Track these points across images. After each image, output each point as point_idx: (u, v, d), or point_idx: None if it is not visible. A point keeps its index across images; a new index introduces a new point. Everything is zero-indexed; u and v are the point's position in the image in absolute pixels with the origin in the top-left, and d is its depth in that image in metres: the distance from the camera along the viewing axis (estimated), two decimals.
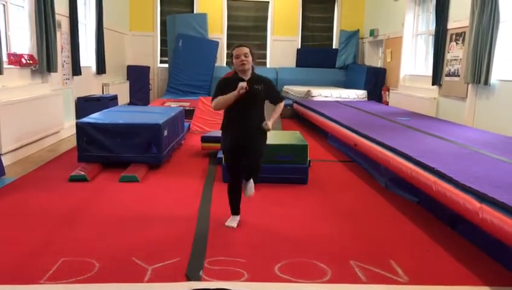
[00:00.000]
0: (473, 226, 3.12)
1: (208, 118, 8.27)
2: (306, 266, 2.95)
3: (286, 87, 11.54)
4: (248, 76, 3.49)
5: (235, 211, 3.70)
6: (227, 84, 3.48)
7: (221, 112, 3.64)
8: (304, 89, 10.49)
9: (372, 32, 11.45)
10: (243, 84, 3.33)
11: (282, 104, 3.72)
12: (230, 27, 12.39)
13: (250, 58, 3.44)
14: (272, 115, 3.63)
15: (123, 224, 3.61)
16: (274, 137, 5.33)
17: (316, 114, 7.88)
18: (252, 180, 3.70)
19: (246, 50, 3.44)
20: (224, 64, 12.27)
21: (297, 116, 9.81)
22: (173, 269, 2.85)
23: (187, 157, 6.09)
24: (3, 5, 5.97)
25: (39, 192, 4.40)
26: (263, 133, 3.59)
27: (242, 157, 3.54)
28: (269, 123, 3.53)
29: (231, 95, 3.38)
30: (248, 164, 3.58)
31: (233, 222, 3.65)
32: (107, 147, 5.22)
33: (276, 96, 3.70)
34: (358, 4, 12.34)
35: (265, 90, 3.55)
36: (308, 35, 12.63)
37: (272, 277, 2.79)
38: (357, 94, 10.26)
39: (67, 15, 7.63)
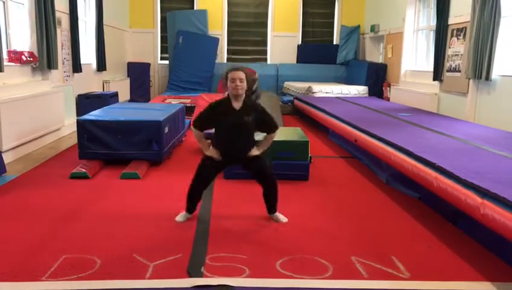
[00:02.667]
0: (475, 222, 3.12)
1: None
2: (307, 262, 2.95)
3: (287, 84, 11.54)
4: (240, 102, 3.47)
5: (193, 210, 3.66)
6: (215, 112, 3.50)
7: None
8: (305, 85, 10.48)
9: (372, 28, 11.42)
10: (216, 157, 3.52)
11: (274, 135, 3.59)
12: (230, 23, 12.37)
13: (244, 84, 3.41)
14: (261, 144, 3.58)
15: (124, 221, 3.61)
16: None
17: (317, 110, 7.87)
18: (278, 214, 3.68)
19: (242, 75, 3.41)
20: (225, 61, 12.25)
21: (298, 112, 9.80)
22: (174, 265, 2.85)
23: (188, 154, 6.09)
24: (3, 2, 5.96)
25: (40, 189, 4.41)
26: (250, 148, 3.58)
27: (223, 167, 3.69)
28: (254, 152, 3.52)
29: (205, 148, 3.56)
30: (257, 168, 3.59)
31: (184, 217, 3.64)
32: (108, 144, 5.21)
33: (267, 126, 3.58)
34: None
35: (256, 119, 3.49)
36: (308, 31, 12.60)
37: (273, 273, 2.79)
38: (358, 90, 10.24)
39: (67, 12, 7.62)
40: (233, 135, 3.49)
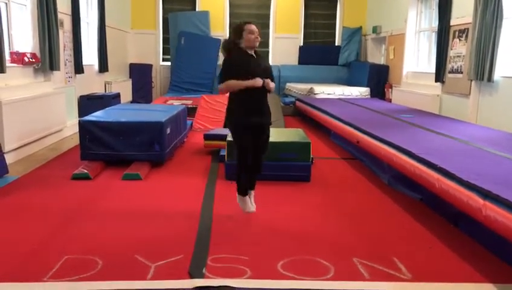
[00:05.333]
0: (476, 223, 3.11)
1: (211, 115, 8.28)
2: (309, 263, 2.95)
3: (288, 85, 11.53)
4: (253, 51, 3.69)
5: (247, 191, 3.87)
6: (237, 62, 3.61)
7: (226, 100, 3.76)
8: (307, 86, 10.47)
9: (374, 29, 11.42)
10: (259, 82, 3.56)
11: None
12: (232, 25, 12.36)
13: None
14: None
15: (126, 222, 3.62)
16: (277, 135, 5.33)
17: (319, 111, 7.87)
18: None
19: (258, 28, 3.68)
20: None
21: (300, 113, 9.79)
22: (176, 266, 2.86)
23: (190, 155, 6.09)
24: (6, 3, 5.98)
25: (42, 190, 4.41)
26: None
27: (252, 131, 3.67)
28: (271, 84, 3.64)
29: (244, 83, 3.54)
30: (265, 138, 3.81)
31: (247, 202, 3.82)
32: (110, 145, 5.22)
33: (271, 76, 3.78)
34: (361, 1, 12.30)
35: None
36: (310, 32, 12.60)
37: (275, 274, 2.79)
38: (359, 91, 10.23)
39: (70, 13, 7.64)
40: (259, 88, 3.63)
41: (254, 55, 3.69)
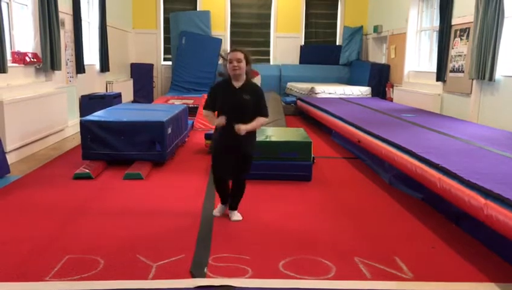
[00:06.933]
0: (478, 223, 3.11)
1: None
2: (310, 262, 2.95)
3: (290, 84, 11.54)
4: (241, 82, 3.49)
5: (225, 200, 3.81)
6: (216, 92, 3.60)
7: None
8: (308, 86, 10.47)
9: (375, 29, 11.40)
10: (222, 121, 3.41)
11: (262, 119, 3.52)
12: (233, 24, 12.37)
13: (243, 64, 3.42)
14: (251, 123, 3.45)
15: (127, 221, 3.62)
16: (278, 134, 5.33)
17: (320, 111, 7.87)
18: (236, 212, 3.74)
19: (240, 56, 3.43)
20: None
21: (301, 113, 9.80)
22: (177, 266, 2.86)
23: (191, 155, 6.09)
24: (7, 3, 5.98)
25: (44, 190, 4.42)
26: (250, 140, 3.57)
27: (229, 159, 3.58)
28: (241, 127, 3.38)
29: (213, 121, 3.53)
30: (242, 159, 3.61)
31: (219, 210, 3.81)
32: (111, 145, 5.23)
33: (260, 111, 3.52)
34: (362, 0, 12.30)
35: (253, 101, 3.47)
36: (311, 32, 12.59)
37: (276, 273, 2.79)
38: (361, 91, 10.23)
39: (71, 13, 7.64)
40: (232, 113, 3.44)
41: (238, 86, 3.47)
